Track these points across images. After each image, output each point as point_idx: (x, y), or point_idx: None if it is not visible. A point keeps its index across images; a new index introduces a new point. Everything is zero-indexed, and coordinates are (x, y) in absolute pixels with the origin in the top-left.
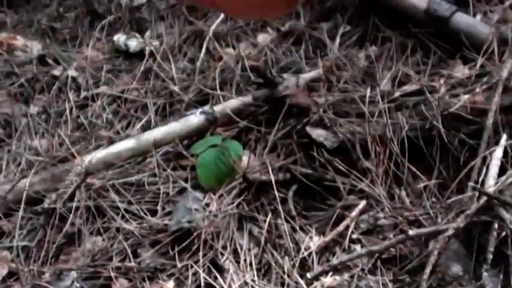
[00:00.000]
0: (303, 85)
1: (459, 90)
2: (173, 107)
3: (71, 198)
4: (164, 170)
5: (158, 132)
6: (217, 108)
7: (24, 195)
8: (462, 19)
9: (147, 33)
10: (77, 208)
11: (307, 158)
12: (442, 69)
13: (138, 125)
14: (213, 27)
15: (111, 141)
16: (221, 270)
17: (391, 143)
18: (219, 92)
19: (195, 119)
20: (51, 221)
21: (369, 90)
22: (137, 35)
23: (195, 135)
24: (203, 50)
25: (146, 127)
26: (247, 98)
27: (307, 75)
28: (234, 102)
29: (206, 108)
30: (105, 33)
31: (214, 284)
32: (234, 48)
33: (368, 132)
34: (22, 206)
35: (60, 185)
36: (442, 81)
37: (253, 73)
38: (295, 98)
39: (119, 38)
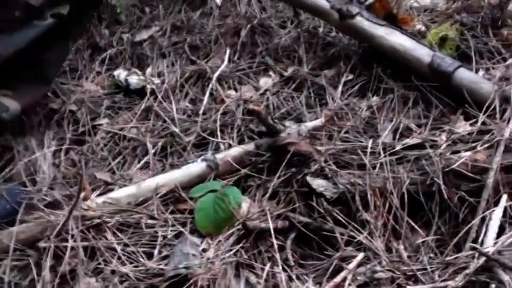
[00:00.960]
0: (305, 133)
1: (460, 146)
2: (173, 148)
3: (66, 237)
4: (162, 212)
5: (160, 180)
6: (219, 155)
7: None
8: (465, 75)
9: (148, 70)
10: (72, 248)
11: (306, 207)
12: (443, 123)
13: (137, 166)
14: (217, 73)
15: (108, 183)
16: None
17: (390, 196)
18: (219, 139)
19: (197, 166)
20: (44, 258)
21: (370, 142)
22: (138, 71)
23: (197, 182)
24: (207, 94)
25: (144, 168)
26: (250, 146)
27: (310, 124)
28: (236, 150)
29: (208, 155)
30: (105, 67)
31: None
32: (235, 90)
33: (368, 185)
34: (12, 244)
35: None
36: (443, 136)
37: (255, 119)
38: (297, 146)
39: (120, 73)
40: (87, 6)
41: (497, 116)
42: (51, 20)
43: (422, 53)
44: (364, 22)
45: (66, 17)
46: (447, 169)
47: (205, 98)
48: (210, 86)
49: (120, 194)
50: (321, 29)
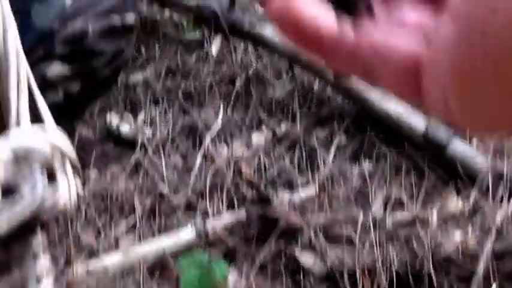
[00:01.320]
0: (297, 202)
1: (451, 225)
2: (161, 208)
3: None
4: (148, 281)
5: (148, 248)
6: (209, 224)
7: None
8: (459, 148)
9: (140, 117)
10: None
11: (293, 283)
12: (435, 196)
13: (124, 226)
14: (209, 138)
15: (93, 248)
16: None
17: (379, 277)
18: (209, 202)
19: (186, 235)
20: None
21: (361, 214)
22: (130, 116)
23: (186, 249)
24: (199, 156)
25: (131, 228)
26: (240, 214)
27: (302, 194)
28: (227, 217)
29: (198, 222)
30: (97, 110)
31: None
32: (227, 145)
33: (357, 264)
34: None
35: None
36: (434, 213)
37: (247, 186)
38: (287, 217)
39: (112, 119)
40: (98, 88)
41: (490, 194)
42: (61, 95)
43: (416, 121)
44: (359, 83)
45: (76, 94)
46: (438, 254)
47: (198, 159)
48: (202, 147)
49: (107, 261)
50: (316, 85)
